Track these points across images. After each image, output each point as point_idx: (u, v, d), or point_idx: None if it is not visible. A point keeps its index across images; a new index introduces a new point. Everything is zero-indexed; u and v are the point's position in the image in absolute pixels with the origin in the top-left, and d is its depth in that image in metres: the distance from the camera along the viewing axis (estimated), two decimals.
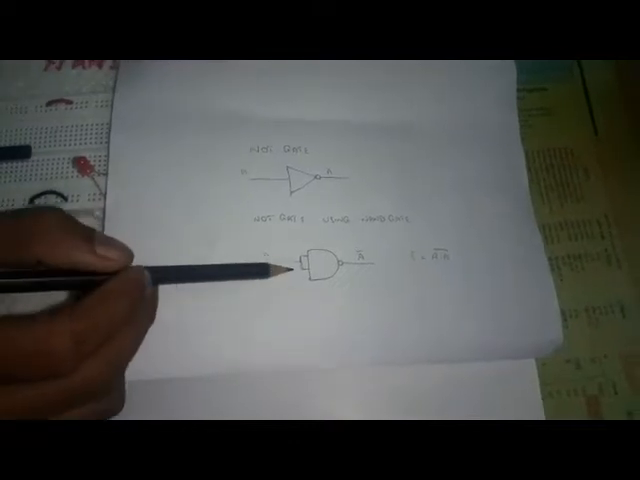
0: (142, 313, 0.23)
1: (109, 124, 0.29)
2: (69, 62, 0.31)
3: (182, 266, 0.25)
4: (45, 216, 0.22)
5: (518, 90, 0.33)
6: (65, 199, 0.28)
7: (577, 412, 0.30)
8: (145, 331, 0.23)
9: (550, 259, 0.30)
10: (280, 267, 0.26)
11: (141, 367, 0.25)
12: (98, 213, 0.28)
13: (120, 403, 0.23)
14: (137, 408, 0.27)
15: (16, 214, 0.23)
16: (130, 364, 0.24)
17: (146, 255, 0.25)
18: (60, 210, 0.23)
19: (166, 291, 0.25)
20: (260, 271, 0.26)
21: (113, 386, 0.22)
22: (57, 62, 0.31)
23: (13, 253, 0.21)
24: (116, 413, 0.23)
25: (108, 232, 0.26)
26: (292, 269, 0.27)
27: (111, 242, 0.23)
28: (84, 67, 0.31)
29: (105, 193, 0.27)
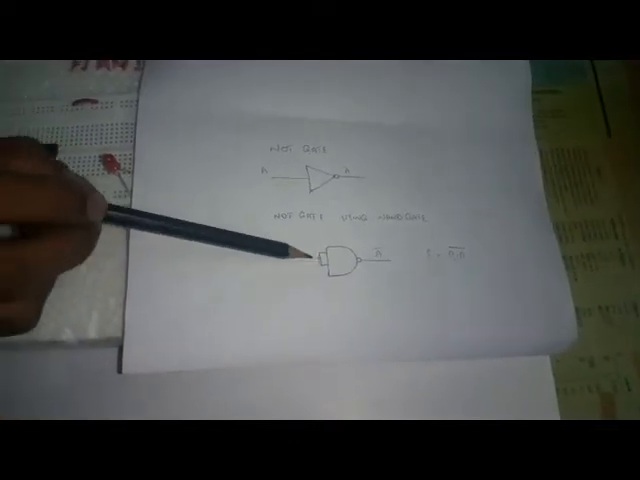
0: (76, 232, 0.23)
1: (134, 123, 0.29)
2: (94, 63, 0.32)
3: (193, 223, 0.26)
4: (20, 138, 0.24)
5: (533, 92, 0.34)
6: None
7: (591, 409, 0.31)
8: (70, 257, 0.23)
9: (564, 258, 0.31)
10: (299, 251, 0.28)
11: (150, 359, 0.26)
12: None
13: (30, 317, 0.23)
14: (142, 402, 0.28)
15: None
16: (136, 356, 0.25)
17: (170, 249, 0.26)
18: (34, 140, 0.24)
19: (171, 281, 0.26)
20: (279, 251, 0.27)
21: (21, 291, 0.22)
22: (82, 63, 0.32)
23: None
24: (25, 329, 0.23)
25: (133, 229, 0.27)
26: (311, 256, 0.28)
27: (78, 175, 0.24)
28: (108, 68, 0.32)
29: (131, 190, 0.28)
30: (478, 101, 0.33)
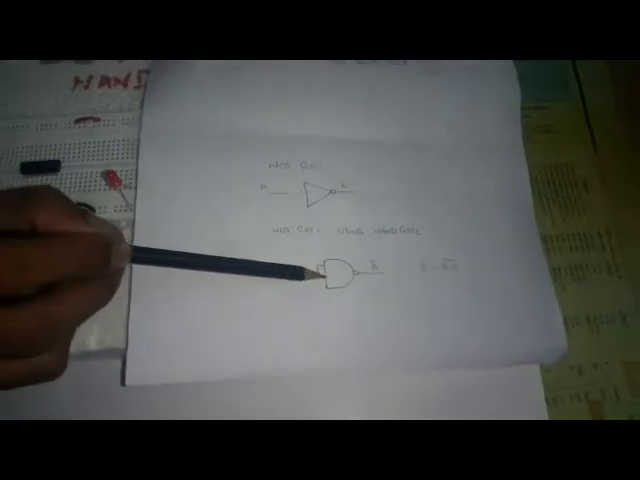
0: (100, 281, 0.23)
1: (137, 140, 0.30)
2: (96, 81, 0.33)
3: (214, 257, 0.27)
4: (44, 188, 0.23)
5: (521, 109, 0.35)
6: (93, 210, 0.30)
7: (580, 417, 0.31)
8: (95, 306, 0.23)
9: (553, 269, 0.32)
10: (315, 272, 0.29)
11: (154, 371, 0.26)
12: (124, 224, 0.29)
13: (56, 368, 0.23)
14: (145, 414, 0.28)
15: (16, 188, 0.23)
16: (140, 367, 0.26)
17: None
18: (57, 189, 0.24)
19: (174, 294, 0.27)
20: (295, 274, 0.28)
21: (47, 346, 0.22)
22: (84, 81, 0.33)
23: (9, 215, 0.21)
24: (51, 378, 0.23)
25: (137, 243, 0.28)
26: (324, 276, 0.29)
27: (103, 221, 0.24)
28: (110, 86, 0.33)
29: (134, 205, 0.29)
30: (470, 118, 0.34)
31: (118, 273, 0.25)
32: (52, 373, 0.23)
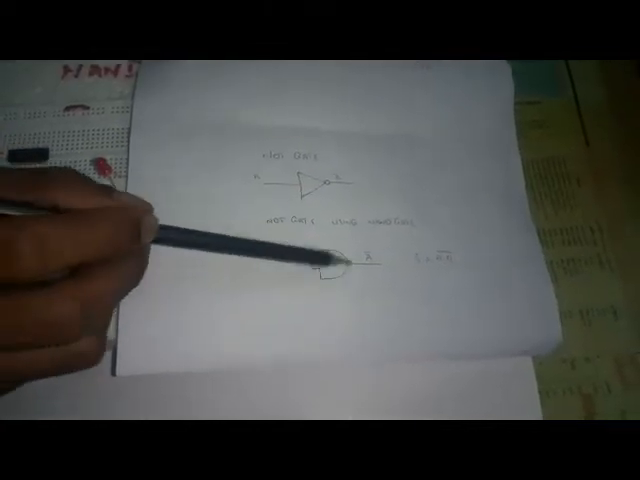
0: (130, 258, 0.22)
1: (127, 129, 0.30)
2: (86, 70, 0.32)
3: (237, 238, 0.25)
4: (63, 168, 0.22)
5: (514, 103, 0.35)
6: None
7: (573, 410, 0.32)
8: (128, 285, 0.22)
9: (545, 263, 0.32)
10: (342, 258, 0.29)
11: (144, 361, 0.26)
12: None
13: (96, 355, 0.22)
14: (136, 405, 0.28)
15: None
16: (130, 358, 0.25)
17: (165, 250, 0.26)
18: (76, 170, 0.22)
19: (165, 282, 0.27)
20: (322, 260, 0.28)
21: (83, 330, 0.20)
22: (74, 70, 0.32)
23: (30, 194, 0.20)
24: (90, 365, 0.22)
25: None
26: (351, 262, 0.29)
27: (130, 195, 0.22)
28: (100, 75, 0.32)
29: None
30: (464, 112, 0.34)
31: (148, 249, 0.24)
32: (91, 360, 0.22)
